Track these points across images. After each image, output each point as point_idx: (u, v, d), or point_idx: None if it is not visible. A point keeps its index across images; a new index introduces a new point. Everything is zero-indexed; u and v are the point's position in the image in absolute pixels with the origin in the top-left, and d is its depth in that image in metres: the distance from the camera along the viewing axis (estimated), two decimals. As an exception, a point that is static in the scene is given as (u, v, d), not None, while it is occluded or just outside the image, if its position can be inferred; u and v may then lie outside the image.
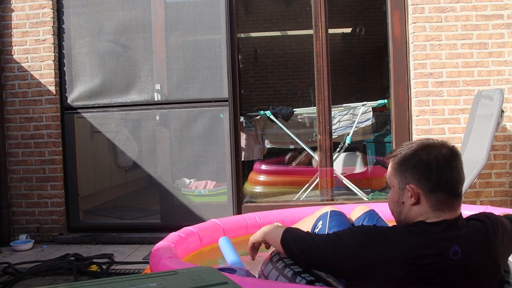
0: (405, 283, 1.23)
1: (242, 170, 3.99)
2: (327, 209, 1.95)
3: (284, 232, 1.51)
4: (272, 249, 1.75)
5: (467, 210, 2.53)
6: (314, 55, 3.90)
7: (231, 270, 1.73)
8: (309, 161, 5.01)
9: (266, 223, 2.64)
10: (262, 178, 5.01)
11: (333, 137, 4.30)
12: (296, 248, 1.43)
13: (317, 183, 4.16)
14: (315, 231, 1.88)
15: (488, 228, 1.32)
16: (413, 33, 3.64)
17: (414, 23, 3.64)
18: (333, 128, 4.44)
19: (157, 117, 3.96)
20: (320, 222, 1.90)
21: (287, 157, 5.42)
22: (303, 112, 4.89)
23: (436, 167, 1.28)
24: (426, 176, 1.28)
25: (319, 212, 1.98)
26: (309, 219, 2.02)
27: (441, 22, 3.62)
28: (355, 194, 4.24)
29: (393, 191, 1.37)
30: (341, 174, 4.48)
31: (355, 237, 1.31)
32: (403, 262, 1.22)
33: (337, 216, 1.89)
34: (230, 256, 1.97)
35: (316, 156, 4.30)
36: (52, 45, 3.92)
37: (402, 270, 1.22)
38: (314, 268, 1.43)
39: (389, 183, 1.39)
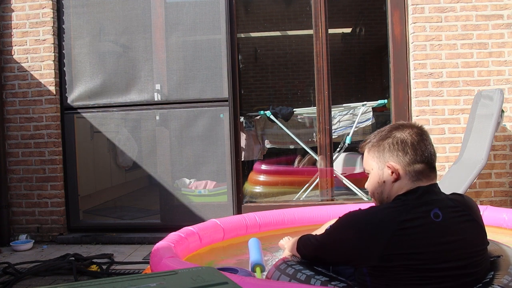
0: (397, 255, 1.27)
1: (242, 170, 3.99)
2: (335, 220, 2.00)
3: (297, 240, 1.60)
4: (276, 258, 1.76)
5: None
6: (314, 55, 3.90)
7: (232, 270, 1.73)
8: (315, 161, 5.01)
9: (266, 223, 2.65)
10: (262, 178, 5.02)
11: (333, 137, 4.30)
12: (306, 251, 1.54)
13: (317, 183, 4.17)
14: None
15: (466, 198, 1.41)
16: (413, 33, 3.64)
17: (414, 23, 3.64)
18: (333, 128, 4.45)
19: (157, 117, 3.96)
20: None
21: (297, 159, 5.34)
22: (303, 112, 4.90)
23: (411, 141, 1.37)
24: (403, 151, 1.37)
25: (328, 223, 2.03)
26: (326, 224, 2.08)
27: (441, 22, 3.62)
28: (355, 194, 4.25)
29: (372, 174, 1.44)
30: (341, 174, 4.49)
31: (343, 223, 1.39)
32: (390, 234, 1.27)
33: None
34: (253, 256, 1.99)
35: (316, 156, 4.31)
36: (52, 45, 3.92)
37: (391, 242, 1.26)
38: (329, 264, 1.50)
39: (367, 169, 1.47)
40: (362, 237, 1.31)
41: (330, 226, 1.45)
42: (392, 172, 1.38)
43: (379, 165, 1.41)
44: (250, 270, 1.91)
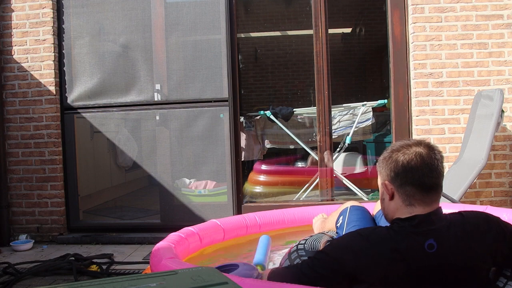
0: (388, 282, 1.26)
1: (242, 170, 3.99)
2: (348, 204, 2.04)
3: (270, 274, 1.46)
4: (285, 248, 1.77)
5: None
6: (314, 55, 3.90)
7: (233, 266, 1.74)
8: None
9: (266, 223, 2.64)
10: (262, 178, 5.02)
11: (333, 137, 4.30)
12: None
13: (317, 183, 4.17)
14: (337, 225, 1.97)
15: (467, 221, 1.34)
16: (413, 33, 3.64)
17: (414, 23, 3.64)
18: (333, 128, 4.44)
19: (157, 117, 3.96)
20: (341, 218, 1.97)
21: (309, 160, 5.26)
22: (303, 112, 4.89)
23: (402, 162, 1.33)
24: (394, 172, 1.35)
25: (342, 207, 2.07)
26: (334, 214, 2.11)
27: (441, 22, 3.62)
28: (355, 194, 4.25)
29: (379, 189, 1.45)
30: (341, 174, 4.48)
31: (336, 250, 1.34)
32: (382, 259, 1.26)
33: (356, 211, 1.96)
34: (258, 254, 2.02)
35: (316, 156, 4.31)
36: (52, 45, 3.92)
37: (383, 268, 1.26)
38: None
39: (378, 184, 1.46)
40: (361, 258, 1.28)
41: (313, 256, 1.39)
42: (387, 191, 1.38)
43: (380, 181, 1.41)
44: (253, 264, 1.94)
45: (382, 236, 1.31)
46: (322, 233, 2.04)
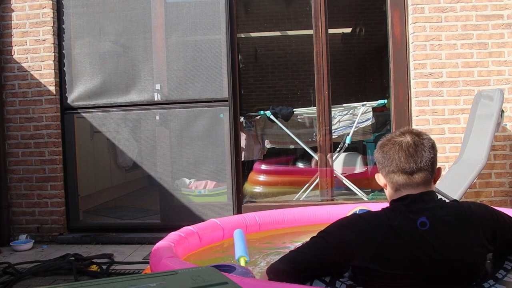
0: (383, 258, 1.31)
1: (242, 170, 3.99)
2: (356, 208, 2.10)
3: (267, 269, 1.47)
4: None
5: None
6: (314, 55, 3.90)
7: (230, 267, 1.74)
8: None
9: (266, 223, 2.65)
10: (262, 178, 5.01)
11: (333, 137, 4.30)
12: (289, 267, 1.41)
13: (317, 183, 4.17)
14: None
15: (461, 204, 1.41)
16: (413, 33, 3.64)
17: (414, 23, 3.64)
18: (333, 128, 4.44)
19: (157, 117, 3.96)
20: None
21: (313, 162, 5.25)
22: (303, 112, 4.89)
23: (383, 153, 1.44)
24: (380, 163, 1.45)
25: (350, 211, 2.07)
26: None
27: (441, 22, 3.62)
28: (355, 194, 4.24)
29: None
30: (341, 174, 4.48)
31: (336, 228, 1.42)
32: (381, 237, 1.32)
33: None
34: (238, 248, 2.05)
35: (316, 156, 4.31)
36: (52, 45, 3.92)
37: (382, 245, 1.32)
38: (313, 272, 1.42)
39: None
40: (359, 235, 1.35)
41: (318, 234, 1.44)
42: (380, 181, 1.49)
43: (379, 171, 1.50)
44: (235, 259, 1.98)
45: (378, 214, 1.40)
46: None
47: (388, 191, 1.47)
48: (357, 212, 1.98)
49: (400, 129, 1.51)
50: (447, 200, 1.46)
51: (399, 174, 1.40)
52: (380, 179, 1.48)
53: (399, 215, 1.35)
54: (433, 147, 1.45)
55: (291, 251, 1.46)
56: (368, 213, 1.45)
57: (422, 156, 1.40)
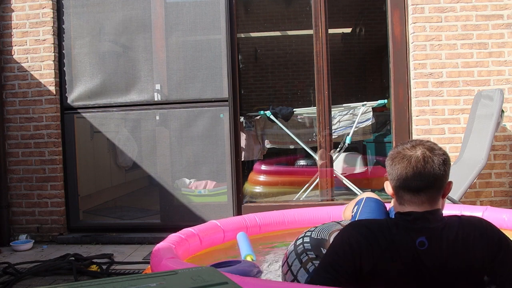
0: (378, 272, 1.31)
1: (242, 170, 3.99)
2: (365, 195, 2.10)
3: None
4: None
5: (467, 210, 2.53)
6: (314, 55, 3.90)
7: (235, 262, 1.76)
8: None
9: (266, 224, 2.64)
10: (262, 178, 5.02)
11: (333, 137, 4.30)
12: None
13: (317, 183, 4.17)
14: (352, 214, 2.04)
15: (463, 225, 1.35)
16: (413, 33, 3.64)
17: (414, 23, 3.64)
18: (333, 128, 4.44)
19: (157, 117, 3.96)
20: (355, 208, 2.04)
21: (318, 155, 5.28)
22: (303, 112, 4.89)
23: (392, 166, 1.40)
24: (389, 174, 1.42)
25: (359, 196, 2.13)
26: (351, 203, 2.18)
27: (441, 22, 3.62)
28: (355, 194, 4.24)
29: None
30: (341, 174, 4.48)
31: (341, 238, 1.39)
32: (378, 248, 1.32)
33: (370, 202, 2.02)
34: (244, 247, 2.08)
35: (316, 156, 4.31)
36: (52, 45, 3.92)
37: (377, 256, 1.31)
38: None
39: None
40: (366, 239, 1.34)
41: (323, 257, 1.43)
42: (388, 190, 1.46)
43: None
44: (241, 258, 2.00)
45: (381, 225, 1.38)
46: (336, 222, 2.06)
47: (394, 202, 1.46)
48: (364, 200, 2.01)
49: (414, 140, 1.44)
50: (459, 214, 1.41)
51: (404, 190, 1.38)
52: (388, 188, 1.46)
53: (400, 230, 1.33)
54: (444, 163, 1.38)
55: (311, 274, 1.47)
56: (372, 221, 1.44)
57: (430, 173, 1.35)
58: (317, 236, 1.81)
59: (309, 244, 1.72)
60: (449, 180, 1.41)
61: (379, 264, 1.31)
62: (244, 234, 2.28)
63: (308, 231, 1.88)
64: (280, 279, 1.78)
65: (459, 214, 1.43)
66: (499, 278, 1.33)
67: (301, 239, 1.80)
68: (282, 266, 1.74)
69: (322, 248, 1.68)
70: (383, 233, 1.34)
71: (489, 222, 1.39)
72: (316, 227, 1.92)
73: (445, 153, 1.40)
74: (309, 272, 1.53)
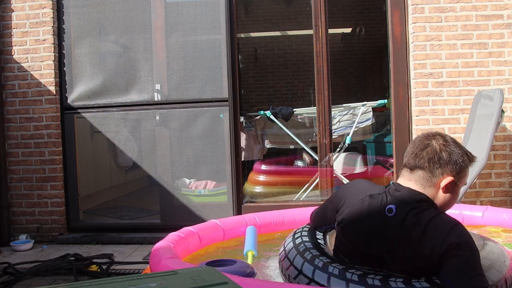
0: (346, 218, 1.58)
1: (242, 170, 3.99)
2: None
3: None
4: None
5: (467, 210, 2.53)
6: (314, 55, 3.90)
7: (231, 261, 1.77)
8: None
9: (266, 223, 2.64)
10: (262, 178, 5.01)
11: (333, 137, 4.30)
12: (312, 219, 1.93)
13: (317, 183, 4.17)
14: None
15: (418, 220, 1.43)
16: (413, 33, 3.64)
17: (414, 23, 3.64)
18: (333, 128, 4.44)
19: (157, 117, 3.96)
20: None
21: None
22: (303, 112, 4.89)
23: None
24: None
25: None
26: None
27: (441, 22, 3.62)
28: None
29: None
30: (341, 174, 4.48)
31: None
32: (359, 194, 1.59)
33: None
34: (248, 242, 2.10)
35: (316, 156, 4.30)
36: (52, 45, 3.92)
37: (353, 203, 1.58)
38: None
39: None
40: (341, 192, 1.69)
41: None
42: None
43: None
44: (244, 254, 2.01)
45: (369, 182, 1.64)
46: None
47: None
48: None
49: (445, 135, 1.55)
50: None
51: (403, 167, 1.57)
52: None
53: (379, 192, 1.53)
54: (436, 147, 1.49)
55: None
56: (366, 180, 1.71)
57: (417, 154, 1.50)
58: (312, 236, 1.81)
59: (310, 243, 1.72)
60: (453, 178, 1.46)
61: (349, 213, 1.59)
62: (254, 228, 2.29)
63: (299, 230, 1.88)
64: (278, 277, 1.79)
65: (435, 216, 1.44)
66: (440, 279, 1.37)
67: (300, 238, 1.80)
68: (281, 262, 1.73)
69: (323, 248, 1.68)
70: (366, 187, 1.64)
71: (457, 230, 1.38)
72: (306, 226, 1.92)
73: (453, 152, 1.47)
74: (315, 264, 1.54)
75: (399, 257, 1.43)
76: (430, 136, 1.50)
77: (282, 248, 1.81)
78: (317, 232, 1.83)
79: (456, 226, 1.38)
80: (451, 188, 1.48)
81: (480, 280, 1.30)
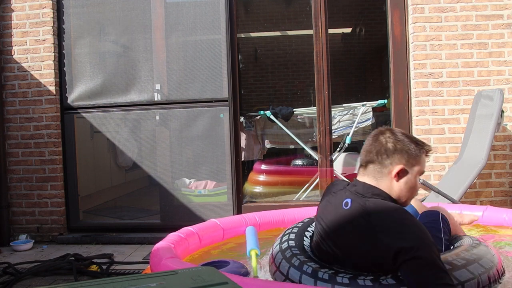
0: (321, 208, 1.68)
1: (242, 170, 3.99)
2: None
3: None
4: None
5: (467, 211, 2.53)
6: (314, 55, 3.90)
7: (224, 263, 1.77)
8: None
9: (266, 223, 2.64)
10: (262, 178, 5.01)
11: (333, 137, 4.30)
12: None
13: (317, 183, 4.16)
14: None
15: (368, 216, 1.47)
16: (413, 33, 3.64)
17: (414, 23, 3.64)
18: (333, 128, 4.44)
19: (157, 117, 3.96)
20: None
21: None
22: (303, 112, 4.89)
23: None
24: None
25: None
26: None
27: (441, 22, 3.62)
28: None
29: None
30: (341, 174, 4.48)
31: None
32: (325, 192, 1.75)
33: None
34: (250, 241, 2.10)
35: (316, 156, 4.31)
36: (52, 45, 3.92)
37: (323, 198, 1.71)
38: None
39: None
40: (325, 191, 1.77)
41: None
42: None
43: None
44: (247, 254, 2.02)
45: (345, 182, 1.69)
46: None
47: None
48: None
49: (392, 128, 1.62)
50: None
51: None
52: None
53: (341, 188, 1.62)
54: (382, 141, 1.56)
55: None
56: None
57: (365, 149, 1.59)
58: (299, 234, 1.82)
59: (293, 241, 1.74)
60: (402, 167, 1.52)
61: (321, 205, 1.71)
62: (253, 228, 2.30)
63: (289, 231, 1.88)
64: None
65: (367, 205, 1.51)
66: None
67: (287, 236, 1.81)
68: (269, 266, 1.74)
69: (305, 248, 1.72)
70: (334, 186, 1.74)
71: (410, 227, 1.40)
72: (296, 225, 1.92)
73: (398, 141, 1.54)
74: (298, 267, 1.55)
75: (355, 251, 1.46)
76: (378, 133, 1.58)
77: (270, 251, 1.82)
78: (308, 229, 1.85)
79: (408, 222, 1.41)
80: (403, 176, 1.53)
81: (440, 277, 1.29)
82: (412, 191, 1.55)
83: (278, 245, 1.77)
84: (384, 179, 1.53)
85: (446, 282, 1.29)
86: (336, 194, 1.60)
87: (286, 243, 1.73)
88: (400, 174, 1.52)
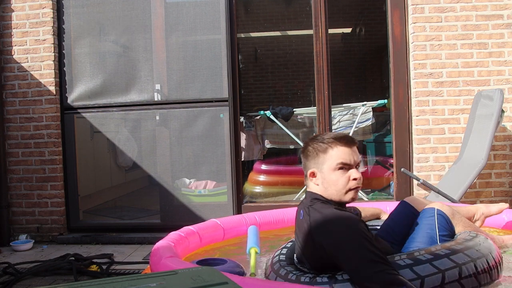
0: None
1: (242, 170, 3.99)
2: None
3: None
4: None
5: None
6: (314, 55, 3.90)
7: (221, 261, 1.78)
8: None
9: (266, 223, 2.65)
10: (262, 178, 5.02)
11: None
12: None
13: (317, 183, 4.16)
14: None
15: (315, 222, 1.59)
16: (413, 33, 3.64)
17: (414, 23, 3.64)
18: (333, 128, 4.44)
19: (157, 117, 3.96)
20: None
21: None
22: (303, 112, 4.89)
23: None
24: None
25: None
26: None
27: (441, 22, 3.62)
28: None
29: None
30: (341, 174, 4.47)
31: None
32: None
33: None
34: (250, 239, 2.13)
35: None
36: (52, 45, 3.92)
37: None
38: None
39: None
40: None
41: None
42: None
43: None
44: (246, 252, 2.06)
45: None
46: None
47: None
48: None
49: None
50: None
51: None
52: None
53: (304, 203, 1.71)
54: (303, 152, 1.72)
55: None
56: None
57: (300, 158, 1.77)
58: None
59: (284, 256, 1.78)
60: (313, 169, 1.66)
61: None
62: (255, 227, 2.31)
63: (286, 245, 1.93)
64: None
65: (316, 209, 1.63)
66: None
67: (280, 250, 1.86)
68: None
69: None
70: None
71: (338, 227, 1.53)
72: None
73: (307, 143, 1.69)
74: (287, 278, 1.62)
75: (309, 254, 1.59)
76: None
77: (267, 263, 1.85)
78: None
79: (335, 219, 1.52)
80: (318, 175, 1.65)
81: (373, 266, 1.36)
82: (336, 185, 1.62)
83: (271, 259, 1.82)
84: (311, 184, 1.69)
85: (380, 270, 1.35)
86: (299, 205, 1.75)
87: (277, 257, 1.80)
88: (313, 174, 1.67)
